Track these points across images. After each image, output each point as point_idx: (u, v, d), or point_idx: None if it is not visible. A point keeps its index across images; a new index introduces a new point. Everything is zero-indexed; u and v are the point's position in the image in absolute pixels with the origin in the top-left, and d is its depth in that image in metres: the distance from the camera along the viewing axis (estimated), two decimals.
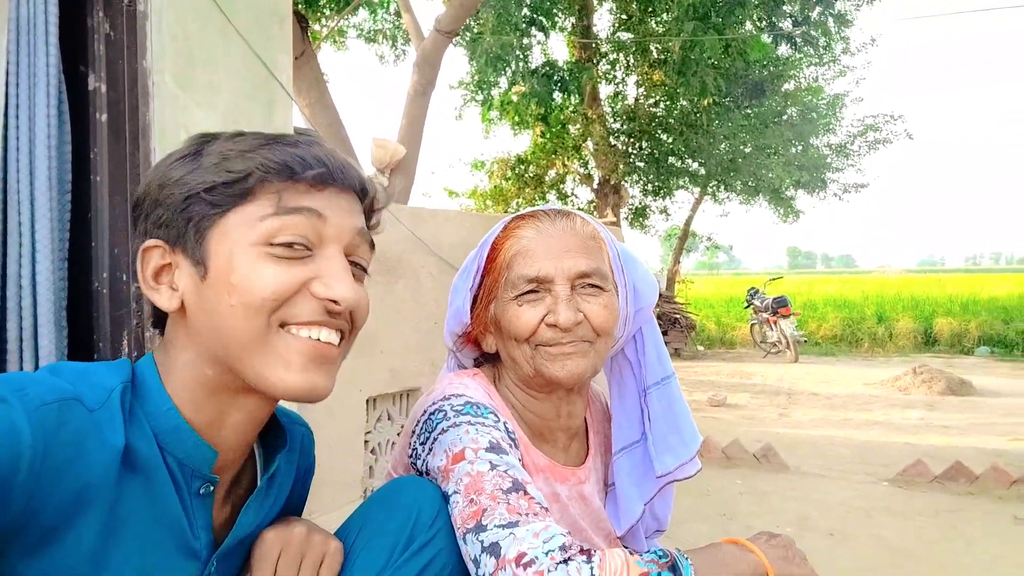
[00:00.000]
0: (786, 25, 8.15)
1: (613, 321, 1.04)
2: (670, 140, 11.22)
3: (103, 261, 1.88)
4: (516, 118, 10.54)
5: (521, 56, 8.50)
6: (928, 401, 6.90)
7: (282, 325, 0.72)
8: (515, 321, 1.02)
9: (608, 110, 11.49)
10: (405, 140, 6.26)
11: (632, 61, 10.53)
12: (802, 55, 10.84)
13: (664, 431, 1.13)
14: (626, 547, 1.17)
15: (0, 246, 1.67)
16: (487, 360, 1.15)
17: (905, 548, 2.97)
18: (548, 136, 11.28)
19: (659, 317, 11.07)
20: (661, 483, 1.14)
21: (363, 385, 2.86)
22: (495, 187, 12.14)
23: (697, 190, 13.40)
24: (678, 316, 11.63)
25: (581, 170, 12.19)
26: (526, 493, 0.85)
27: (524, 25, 8.03)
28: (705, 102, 9.79)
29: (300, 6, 6.51)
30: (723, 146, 11.21)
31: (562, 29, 10.13)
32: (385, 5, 9.39)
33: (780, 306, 10.62)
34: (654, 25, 9.45)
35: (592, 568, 0.77)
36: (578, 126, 11.29)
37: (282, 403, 0.84)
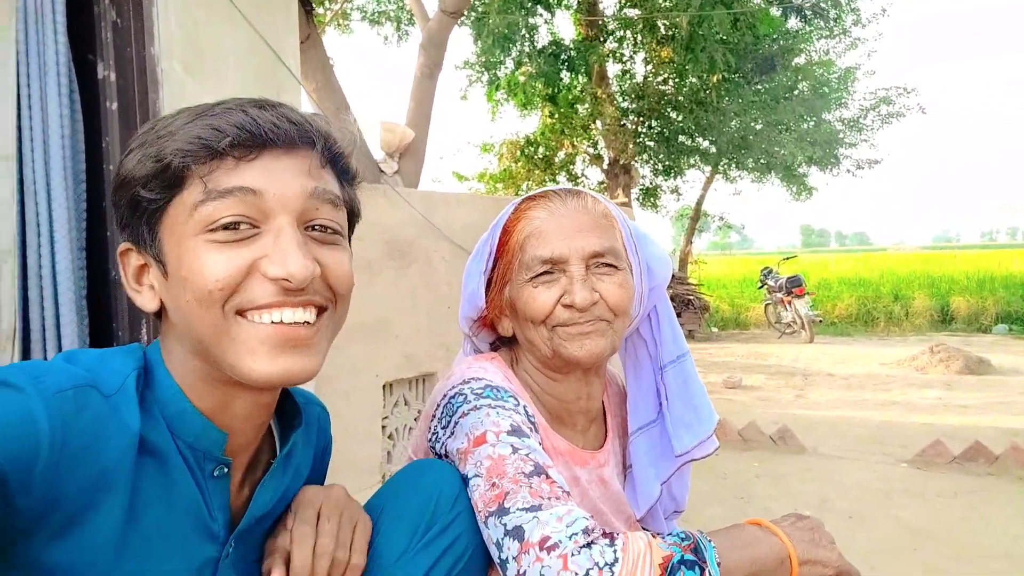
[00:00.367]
0: None
1: (629, 300, 1.03)
2: (680, 118, 11.10)
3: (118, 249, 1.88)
4: (523, 99, 10.45)
5: (527, 35, 8.41)
6: (946, 380, 6.84)
7: (240, 312, 0.69)
8: (531, 303, 1.01)
9: (616, 89, 11.37)
10: (413, 123, 6.22)
11: (640, 38, 10.37)
12: (812, 28, 10.65)
13: (681, 409, 1.12)
14: (646, 529, 1.17)
15: (20, 237, 1.68)
16: (503, 344, 1.15)
17: (924, 529, 2.95)
18: (556, 117, 11.18)
19: (672, 299, 10.96)
20: (679, 462, 1.13)
21: (379, 371, 2.86)
22: (504, 170, 12.08)
23: (708, 169, 13.27)
24: (691, 297, 11.56)
25: (591, 151, 12.09)
26: (548, 477, 0.85)
27: (530, 3, 7.93)
28: (714, 78, 9.66)
29: None
30: (734, 123, 11.07)
31: (568, 7, 9.99)
32: None
33: (794, 286, 10.53)
34: (661, 0, 9.31)
35: (615, 551, 0.77)
36: (586, 106, 11.18)
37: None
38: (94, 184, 1.82)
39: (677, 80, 10.77)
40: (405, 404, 3.09)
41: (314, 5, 7.10)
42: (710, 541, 0.81)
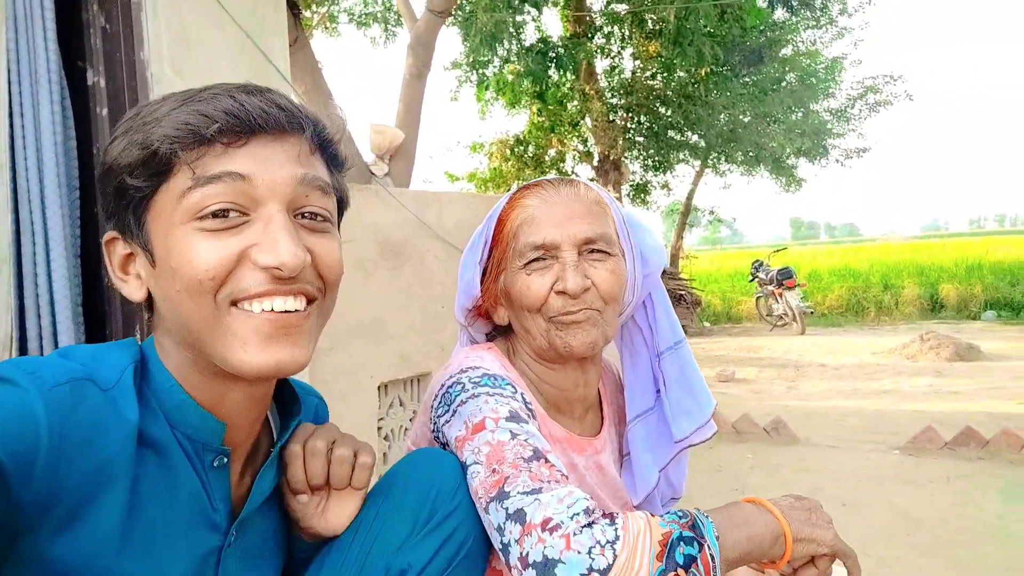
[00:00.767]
0: None
1: (620, 286, 1.05)
2: (668, 113, 11.12)
3: None
4: (511, 97, 10.45)
5: (515, 33, 8.40)
6: (936, 368, 6.91)
7: (234, 302, 0.68)
8: (525, 291, 1.03)
9: (605, 85, 11.38)
10: (403, 124, 6.21)
11: (627, 33, 10.40)
12: (799, 19, 10.70)
13: (679, 395, 1.14)
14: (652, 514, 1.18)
15: (15, 245, 1.67)
16: (499, 334, 1.16)
17: (917, 515, 2.99)
18: (545, 114, 11.19)
19: None
20: (677, 448, 1.15)
21: (374, 371, 2.87)
22: (494, 169, 12.07)
23: (697, 163, 13.31)
24: (683, 292, 11.60)
25: (580, 147, 12.11)
26: (547, 461, 0.86)
27: (517, 2, 7.92)
28: (702, 72, 9.69)
29: None
30: (722, 116, 11.11)
31: (555, 4, 9.99)
32: None
33: (785, 278, 10.59)
34: None
35: (616, 529, 0.78)
36: (575, 103, 11.19)
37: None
38: (87, 190, 1.82)
39: (665, 75, 10.80)
40: (400, 405, 3.10)
41: (301, 8, 7.08)
42: (708, 517, 0.82)
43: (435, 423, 0.99)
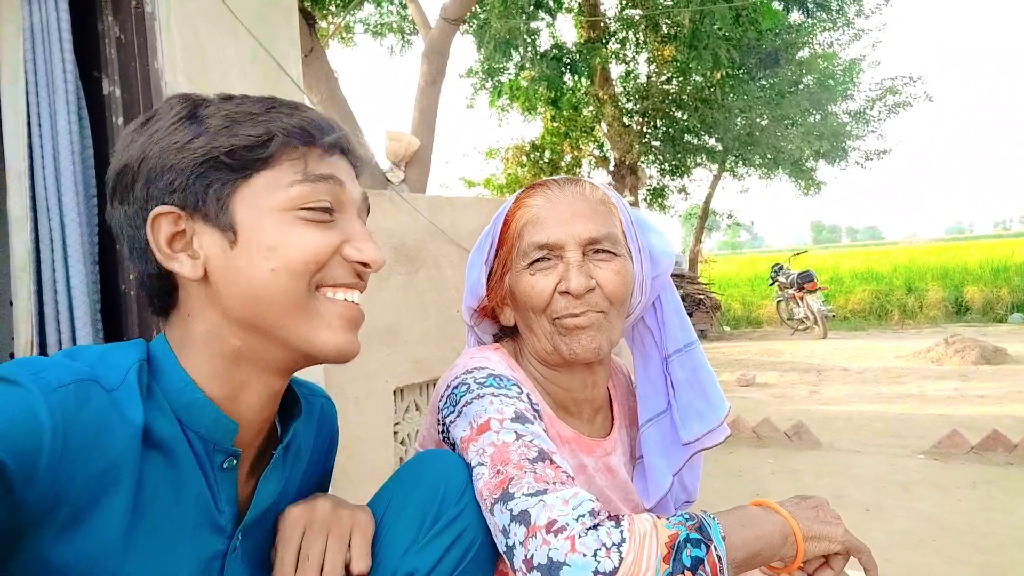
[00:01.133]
0: None
1: (626, 287, 1.03)
2: (685, 117, 11.07)
3: (129, 264, 1.90)
4: (526, 103, 10.46)
5: (529, 40, 8.42)
6: (962, 371, 6.77)
7: (317, 288, 0.74)
8: (529, 291, 1.02)
9: (620, 90, 11.37)
10: (418, 131, 6.25)
11: (642, 38, 10.38)
12: (815, 20, 10.60)
13: (690, 398, 1.12)
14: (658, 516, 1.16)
15: (34, 254, 1.70)
16: (506, 335, 1.15)
17: (943, 520, 2.92)
18: (560, 120, 11.20)
19: (683, 298, 10.97)
20: (689, 451, 1.13)
21: (389, 376, 2.87)
22: (510, 175, 12.10)
23: (715, 167, 13.23)
24: (703, 297, 11.52)
25: (596, 153, 12.09)
26: (552, 462, 0.85)
27: (531, 8, 7.94)
28: (718, 75, 9.62)
29: (307, 4, 6.51)
30: (739, 120, 11.03)
31: (569, 10, 10.01)
32: None
33: (806, 281, 10.46)
34: None
35: (622, 531, 0.77)
36: (590, 108, 11.18)
37: (297, 376, 0.85)
38: (102, 199, 1.85)
39: (681, 79, 10.75)
40: (416, 409, 3.10)
41: (317, 19, 7.16)
42: (714, 519, 0.81)
43: (442, 424, 0.99)
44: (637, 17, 9.81)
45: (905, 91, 12.64)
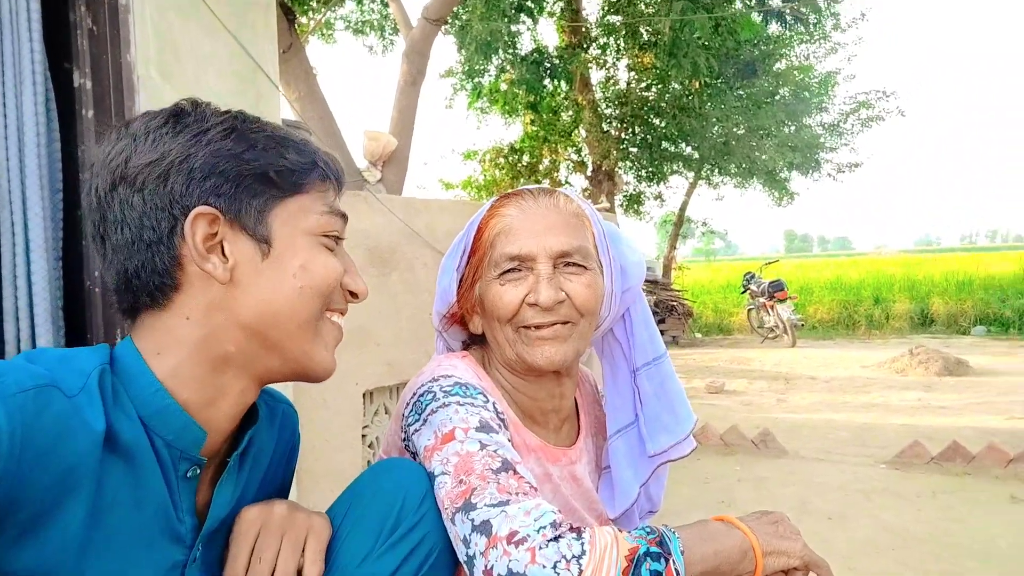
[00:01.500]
0: (776, 2, 8.07)
1: (596, 300, 1.04)
2: (663, 124, 11.19)
3: (94, 260, 1.86)
4: (506, 106, 10.48)
5: (509, 42, 8.44)
6: (925, 382, 6.93)
7: (326, 310, 0.81)
8: (497, 301, 1.02)
9: (599, 95, 11.44)
10: (396, 131, 6.22)
11: (622, 44, 10.47)
12: (793, 33, 10.80)
13: (657, 411, 1.13)
14: (620, 528, 1.17)
15: None
16: (475, 342, 1.15)
17: (903, 529, 2.99)
18: (539, 124, 11.23)
19: (656, 305, 11.09)
20: (655, 463, 1.14)
21: (359, 379, 2.85)
22: (489, 178, 12.10)
23: (691, 175, 13.38)
24: (675, 303, 11.63)
25: (574, 157, 12.15)
26: (516, 472, 0.85)
27: (512, 11, 7.96)
28: (696, 84, 9.74)
29: None
30: (716, 129, 11.18)
31: (551, 14, 10.05)
32: None
33: (776, 290, 10.63)
34: (643, 7, 9.38)
35: (583, 544, 0.77)
36: (569, 113, 11.24)
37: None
38: (70, 193, 1.81)
39: (660, 86, 10.86)
40: (386, 412, 3.08)
41: (297, 15, 7.09)
42: (675, 534, 0.82)
43: (405, 432, 0.98)
44: (618, 24, 9.88)
45: (878, 105, 12.96)
